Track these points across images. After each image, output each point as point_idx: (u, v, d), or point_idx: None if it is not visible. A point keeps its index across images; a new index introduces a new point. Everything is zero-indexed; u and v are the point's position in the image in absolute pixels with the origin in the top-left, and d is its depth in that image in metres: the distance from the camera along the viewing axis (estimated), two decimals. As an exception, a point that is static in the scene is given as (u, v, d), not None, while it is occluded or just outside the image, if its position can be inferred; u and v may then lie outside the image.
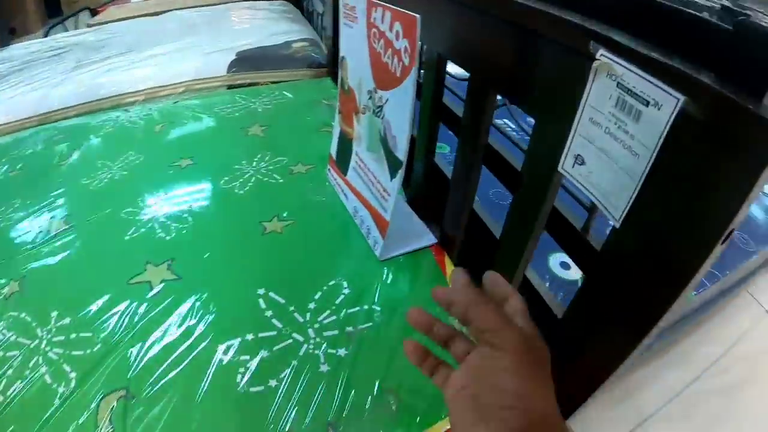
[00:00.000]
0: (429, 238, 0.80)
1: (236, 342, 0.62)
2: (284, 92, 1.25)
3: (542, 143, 0.52)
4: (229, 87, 1.36)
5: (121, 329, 0.64)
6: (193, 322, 0.65)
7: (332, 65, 1.35)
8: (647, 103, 0.34)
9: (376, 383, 0.59)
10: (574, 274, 0.93)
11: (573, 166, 0.43)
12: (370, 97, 0.72)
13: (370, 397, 0.57)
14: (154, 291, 0.69)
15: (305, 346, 0.62)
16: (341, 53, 0.81)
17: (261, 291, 0.69)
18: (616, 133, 0.38)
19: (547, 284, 0.90)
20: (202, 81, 1.35)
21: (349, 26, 0.75)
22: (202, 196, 0.87)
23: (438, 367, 0.42)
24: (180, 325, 0.64)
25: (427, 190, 0.88)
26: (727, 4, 0.34)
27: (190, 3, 2.45)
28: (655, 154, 0.35)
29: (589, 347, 0.51)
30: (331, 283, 0.71)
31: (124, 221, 0.82)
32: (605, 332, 0.48)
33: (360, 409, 0.56)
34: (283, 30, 1.62)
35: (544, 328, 0.39)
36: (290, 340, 0.63)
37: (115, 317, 0.65)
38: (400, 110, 0.65)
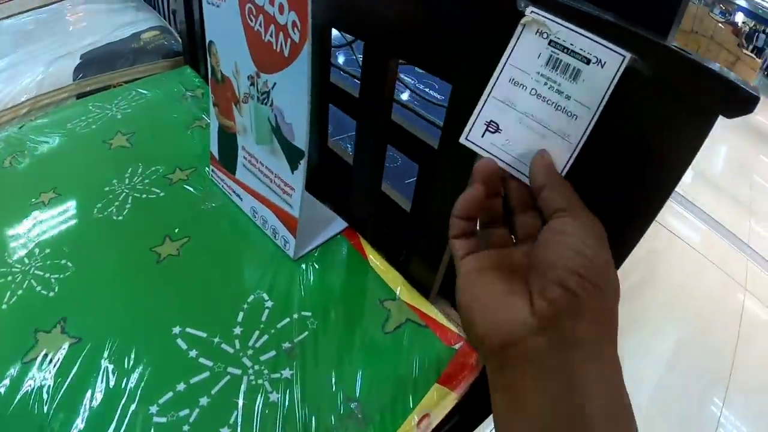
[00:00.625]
0: (339, 224, 0.75)
1: (168, 396, 0.55)
2: (141, 90, 1.10)
3: (460, 112, 0.49)
4: (79, 96, 1.20)
5: (35, 415, 0.54)
6: (113, 384, 0.56)
7: (190, 52, 1.23)
8: (588, 61, 0.33)
9: (336, 397, 0.54)
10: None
11: (483, 135, 0.38)
12: (252, 83, 0.63)
13: (332, 415, 0.53)
14: (56, 362, 0.58)
15: (245, 378, 0.56)
16: (208, 37, 0.70)
17: (176, 330, 0.61)
18: (546, 95, 0.35)
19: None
20: (46, 96, 1.18)
21: (214, 5, 0.65)
22: (78, 233, 0.75)
23: (470, 239, 0.37)
24: (100, 394, 0.55)
25: (324, 174, 0.83)
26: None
27: (15, 9, 2.16)
28: (598, 114, 0.33)
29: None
30: (250, 299, 0.64)
31: None
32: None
33: (327, 428, 0.52)
34: (128, 21, 1.44)
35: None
36: (228, 377, 0.56)
37: (24, 404, 0.54)
38: (292, 94, 0.57)
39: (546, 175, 0.34)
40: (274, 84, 0.60)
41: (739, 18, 6.80)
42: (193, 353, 0.58)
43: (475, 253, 0.36)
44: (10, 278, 0.69)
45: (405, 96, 1.41)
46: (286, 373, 0.57)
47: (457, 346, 0.62)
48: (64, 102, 1.19)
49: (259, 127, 0.66)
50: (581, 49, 0.33)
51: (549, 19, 0.34)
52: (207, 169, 0.83)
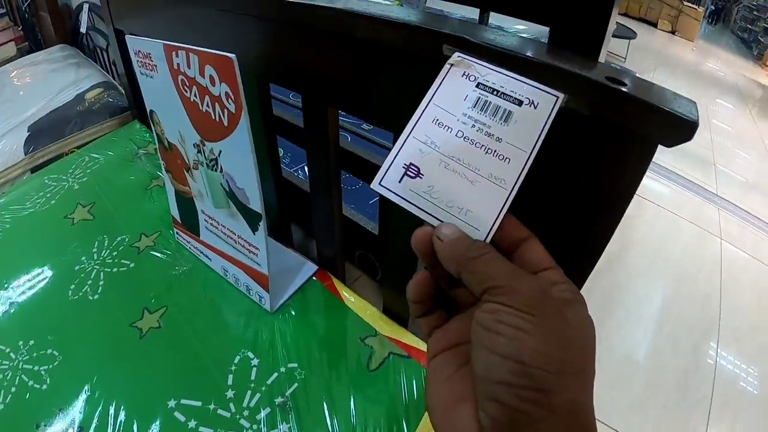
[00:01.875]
0: (309, 267, 0.76)
1: None
2: (93, 155, 1.09)
3: None
4: (33, 169, 1.19)
5: None
6: None
7: (136, 106, 1.22)
8: (520, 103, 0.33)
9: None
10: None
11: (401, 180, 0.34)
12: (199, 151, 0.64)
13: None
14: None
15: None
16: (148, 107, 0.70)
17: (172, 403, 0.61)
18: (475, 137, 0.33)
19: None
20: (0, 175, 1.17)
21: (148, 76, 0.64)
22: (58, 319, 0.75)
23: (435, 314, 0.35)
24: None
25: (285, 214, 0.84)
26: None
27: None
28: (533, 156, 0.32)
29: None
30: (236, 360, 0.65)
31: None
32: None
33: None
34: (70, 81, 1.42)
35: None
36: None
37: None
38: (238, 160, 0.58)
39: (455, 257, 0.30)
40: (220, 151, 0.60)
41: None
42: (192, 424, 0.59)
43: (441, 327, 0.34)
44: (0, 376, 0.69)
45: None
46: (284, 427, 0.58)
47: None
48: (20, 178, 1.18)
49: (214, 192, 0.67)
50: (512, 91, 0.33)
51: (476, 62, 0.34)
52: (171, 231, 0.84)
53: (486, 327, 0.27)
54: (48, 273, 0.83)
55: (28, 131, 1.22)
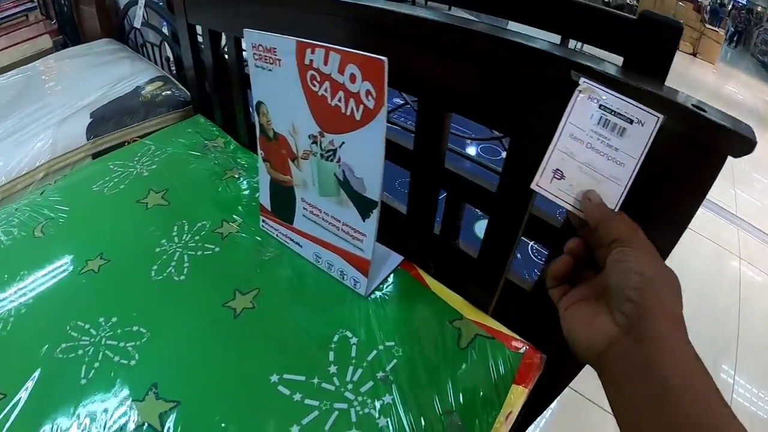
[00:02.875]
0: (396, 257, 0.78)
1: None
2: (161, 145, 1.11)
3: (519, 162, 0.59)
4: (94, 155, 1.20)
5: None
6: None
7: (200, 101, 1.24)
8: (631, 121, 0.42)
9: (435, 411, 0.60)
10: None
11: (551, 182, 0.47)
12: (314, 142, 0.66)
13: (437, 427, 0.59)
14: (162, 429, 0.60)
15: (353, 410, 0.60)
16: (255, 98, 0.73)
17: (274, 378, 0.63)
18: (599, 148, 0.44)
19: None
20: (62, 158, 1.18)
21: (266, 69, 0.67)
22: (141, 298, 0.76)
23: (564, 285, 0.50)
24: None
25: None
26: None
27: None
28: (640, 162, 0.43)
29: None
30: (335, 338, 0.67)
31: (65, 362, 0.68)
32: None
33: None
34: (126, 73, 1.44)
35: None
36: (336, 412, 0.59)
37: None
38: (365, 152, 0.62)
39: (599, 213, 0.45)
40: (343, 143, 0.63)
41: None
42: (297, 397, 0.61)
43: (568, 294, 0.48)
44: (81, 352, 0.69)
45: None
46: (387, 398, 0.61)
47: (522, 350, 0.67)
48: (80, 163, 1.19)
49: (323, 182, 0.69)
50: (625, 112, 0.43)
51: (598, 87, 0.44)
52: (253, 219, 0.86)
53: (617, 260, 0.42)
54: (125, 253, 0.85)
55: (90, 117, 1.24)
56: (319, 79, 0.61)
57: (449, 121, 0.67)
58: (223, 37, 1.05)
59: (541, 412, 0.76)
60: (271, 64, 0.66)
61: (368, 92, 0.56)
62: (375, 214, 0.64)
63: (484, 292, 0.72)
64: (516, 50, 0.52)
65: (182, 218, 0.89)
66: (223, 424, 0.60)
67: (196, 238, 0.85)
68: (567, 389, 0.70)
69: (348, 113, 0.60)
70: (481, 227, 1.09)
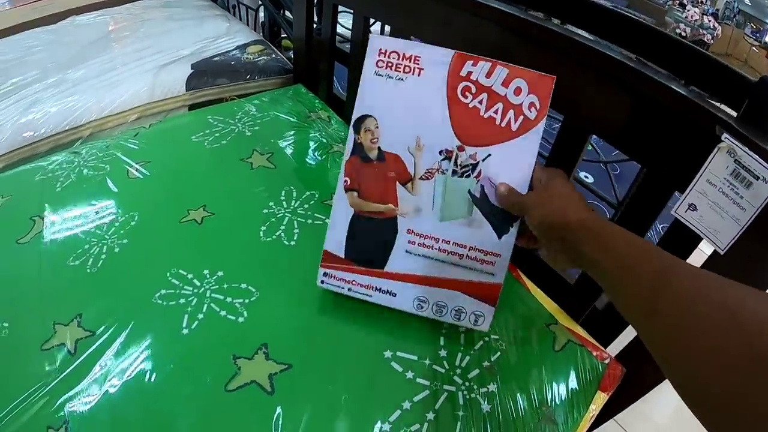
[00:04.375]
0: None
1: (397, 414, 0.59)
2: (263, 108, 1.11)
3: (648, 187, 0.65)
4: (191, 107, 1.20)
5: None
6: (337, 405, 0.60)
7: (306, 71, 1.24)
8: (757, 178, 0.49)
9: (533, 403, 0.63)
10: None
11: (686, 212, 0.56)
12: (447, 158, 0.63)
13: (533, 418, 0.62)
14: (270, 392, 0.60)
15: (460, 394, 0.62)
16: (361, 110, 0.65)
17: (388, 353, 0.64)
18: (728, 193, 0.52)
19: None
20: (158, 104, 1.19)
21: (392, 78, 0.64)
22: (249, 256, 0.76)
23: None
24: (325, 415, 0.58)
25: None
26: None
27: (65, 6, 2.14)
28: (758, 211, 0.49)
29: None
30: (445, 324, 0.69)
31: (165, 309, 0.68)
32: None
33: (530, 429, 0.61)
34: (223, 31, 1.46)
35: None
36: (446, 394, 0.62)
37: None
38: (515, 162, 0.62)
39: (509, 199, 0.61)
40: (488, 155, 0.63)
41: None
42: (409, 375, 0.63)
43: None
44: (183, 301, 0.69)
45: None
46: (492, 387, 0.63)
47: (607, 361, 0.68)
48: (175, 111, 1.20)
49: (450, 203, 0.64)
50: (754, 169, 0.48)
51: (737, 145, 0.49)
52: (318, 274, 0.70)
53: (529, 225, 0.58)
54: (231, 209, 0.85)
55: (191, 69, 1.24)
56: (474, 91, 0.61)
57: (588, 141, 0.71)
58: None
59: (604, 422, 0.78)
60: (406, 73, 0.63)
61: (531, 104, 0.60)
62: (515, 228, 0.63)
63: (577, 304, 0.76)
64: (670, 93, 0.57)
65: (290, 184, 0.89)
66: (335, 393, 0.60)
67: (305, 206, 0.84)
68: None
69: (503, 125, 0.61)
70: None
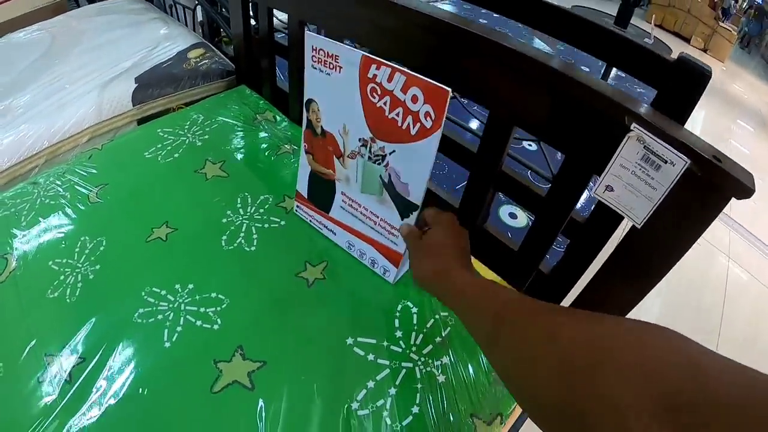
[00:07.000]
0: None
1: (363, 393, 0.69)
2: (210, 115, 1.17)
3: (570, 174, 0.73)
4: (140, 121, 1.25)
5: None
6: (311, 391, 0.69)
7: (247, 72, 1.29)
8: (665, 161, 0.57)
9: (482, 369, 0.73)
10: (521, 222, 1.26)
11: (604, 192, 0.65)
12: (364, 145, 0.74)
13: (485, 383, 0.72)
14: (251, 388, 0.69)
15: (417, 368, 0.72)
16: (307, 95, 0.79)
17: (350, 340, 0.74)
18: (640, 175, 0.60)
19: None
20: (107, 122, 1.23)
21: (323, 72, 0.73)
22: (215, 266, 0.84)
23: None
24: (302, 401, 0.68)
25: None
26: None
27: (16, 13, 2.09)
28: (668, 190, 0.58)
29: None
30: (399, 308, 0.80)
31: (146, 327, 0.76)
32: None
33: (484, 392, 0.71)
34: (162, 36, 1.49)
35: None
36: (404, 370, 0.72)
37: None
38: (414, 162, 0.70)
39: (407, 232, 0.72)
40: (394, 151, 0.71)
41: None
42: (371, 357, 0.73)
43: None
44: (161, 317, 0.77)
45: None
46: (445, 359, 0.74)
47: None
48: (125, 128, 1.25)
49: (367, 181, 0.78)
50: (662, 154, 0.57)
51: (645, 133, 0.58)
52: (294, 205, 0.94)
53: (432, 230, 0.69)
54: (192, 222, 0.92)
55: (135, 83, 1.28)
56: (379, 93, 0.67)
57: (514, 132, 0.77)
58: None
59: None
60: (331, 69, 0.72)
61: (428, 114, 0.64)
62: (414, 215, 0.74)
63: (519, 276, 0.87)
64: (585, 90, 0.63)
65: (244, 191, 0.97)
66: (308, 381, 0.70)
67: (261, 210, 0.93)
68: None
69: (404, 127, 0.67)
70: (504, 211, 1.22)
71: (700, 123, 4.36)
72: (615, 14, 5.00)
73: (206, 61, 1.36)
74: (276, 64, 1.23)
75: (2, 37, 1.70)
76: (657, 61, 0.65)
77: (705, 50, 6.49)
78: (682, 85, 0.61)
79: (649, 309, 2.13)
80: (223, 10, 1.54)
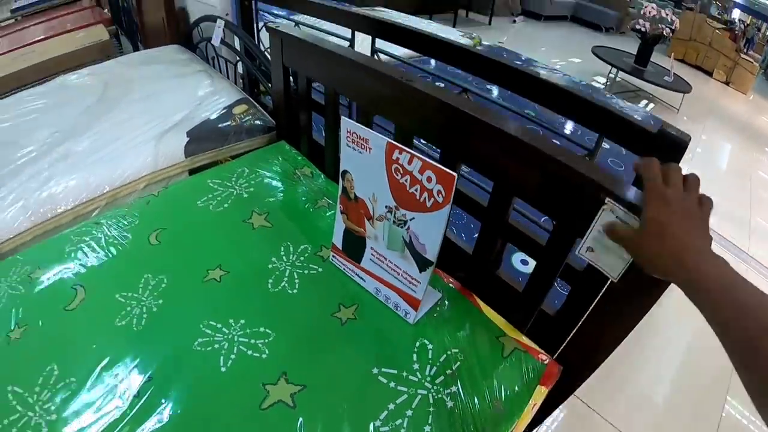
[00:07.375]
0: (436, 295, 1.04)
1: (385, 414, 0.82)
2: (254, 168, 1.35)
3: (560, 236, 0.87)
4: (191, 172, 1.43)
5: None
6: (341, 411, 0.82)
7: (287, 129, 1.47)
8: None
9: (486, 399, 0.86)
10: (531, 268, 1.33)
11: (586, 252, 0.78)
12: (389, 211, 0.90)
13: (487, 410, 0.84)
14: (293, 407, 0.83)
15: (430, 395, 0.85)
16: (342, 167, 0.95)
17: (375, 370, 0.88)
18: (605, 233, 0.72)
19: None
20: (162, 171, 1.42)
21: (356, 150, 0.89)
22: (263, 306, 1.00)
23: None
24: (336, 418, 0.81)
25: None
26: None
27: (47, 55, 2.29)
28: None
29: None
30: (417, 344, 0.94)
31: (205, 354, 0.89)
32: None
33: (486, 418, 0.83)
34: (208, 91, 1.68)
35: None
36: (419, 396, 0.85)
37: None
38: (430, 228, 0.85)
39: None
40: (413, 218, 0.86)
41: (736, 14, 7.14)
42: (392, 384, 0.87)
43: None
44: (217, 346, 0.93)
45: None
46: (454, 388, 0.87)
47: (546, 362, 0.93)
48: (177, 177, 1.42)
49: (391, 240, 0.94)
50: (632, 223, 0.70)
51: (617, 206, 0.71)
52: (330, 255, 1.10)
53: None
54: (244, 267, 1.08)
55: (187, 136, 1.48)
56: (401, 172, 0.83)
57: (514, 201, 0.94)
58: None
59: (554, 410, 1.05)
60: (362, 149, 0.88)
61: (439, 191, 0.79)
62: (430, 270, 0.89)
63: (523, 317, 1.01)
64: (569, 170, 0.78)
65: (286, 240, 1.14)
66: (339, 403, 0.84)
67: (301, 258, 1.10)
68: (576, 399, 0.96)
69: (421, 200, 0.82)
70: (516, 258, 1.37)
71: (726, 157, 4.47)
72: (635, 53, 5.17)
73: (249, 117, 1.54)
74: (312, 118, 1.41)
75: (55, 77, 1.90)
76: (641, 132, 0.80)
77: (727, 83, 6.50)
78: (662, 153, 0.72)
79: (668, 349, 2.21)
80: (263, 66, 1.72)
